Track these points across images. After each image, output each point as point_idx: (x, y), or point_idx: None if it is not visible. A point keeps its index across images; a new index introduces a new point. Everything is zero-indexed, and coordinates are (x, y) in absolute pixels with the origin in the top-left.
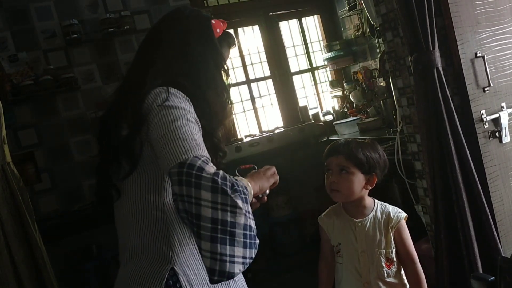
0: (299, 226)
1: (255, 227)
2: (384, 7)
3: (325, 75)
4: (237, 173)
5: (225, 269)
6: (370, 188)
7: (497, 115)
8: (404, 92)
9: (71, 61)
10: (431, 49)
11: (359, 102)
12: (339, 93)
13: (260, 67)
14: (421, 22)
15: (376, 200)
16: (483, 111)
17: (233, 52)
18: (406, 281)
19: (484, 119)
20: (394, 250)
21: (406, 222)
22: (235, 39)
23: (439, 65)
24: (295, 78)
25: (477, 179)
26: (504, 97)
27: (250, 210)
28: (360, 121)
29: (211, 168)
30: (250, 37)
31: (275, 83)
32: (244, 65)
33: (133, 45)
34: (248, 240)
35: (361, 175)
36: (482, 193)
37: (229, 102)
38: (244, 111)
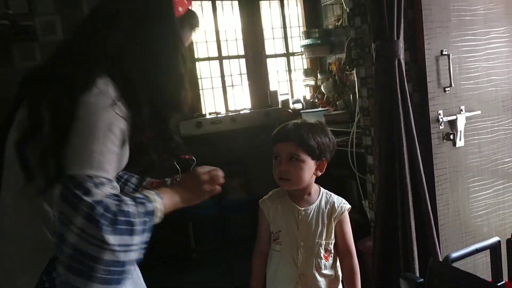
0: (253, 211)
1: (129, 259)
2: None
3: (300, 63)
4: (175, 164)
5: None
6: (320, 174)
7: (454, 117)
8: (366, 82)
9: (33, 9)
10: (395, 39)
11: (329, 93)
12: (312, 82)
13: (234, 44)
14: (388, 10)
15: (322, 188)
16: (440, 111)
17: (207, 26)
18: (340, 273)
19: (441, 120)
20: (333, 241)
21: (356, 216)
22: (199, 21)
23: (402, 56)
24: (269, 61)
25: (424, 179)
26: (464, 100)
27: (136, 241)
28: (327, 113)
29: (100, 193)
30: (228, 12)
31: (248, 63)
32: (218, 41)
33: None
34: (109, 276)
35: (312, 161)
36: (427, 194)
37: (185, 90)
38: (212, 88)
